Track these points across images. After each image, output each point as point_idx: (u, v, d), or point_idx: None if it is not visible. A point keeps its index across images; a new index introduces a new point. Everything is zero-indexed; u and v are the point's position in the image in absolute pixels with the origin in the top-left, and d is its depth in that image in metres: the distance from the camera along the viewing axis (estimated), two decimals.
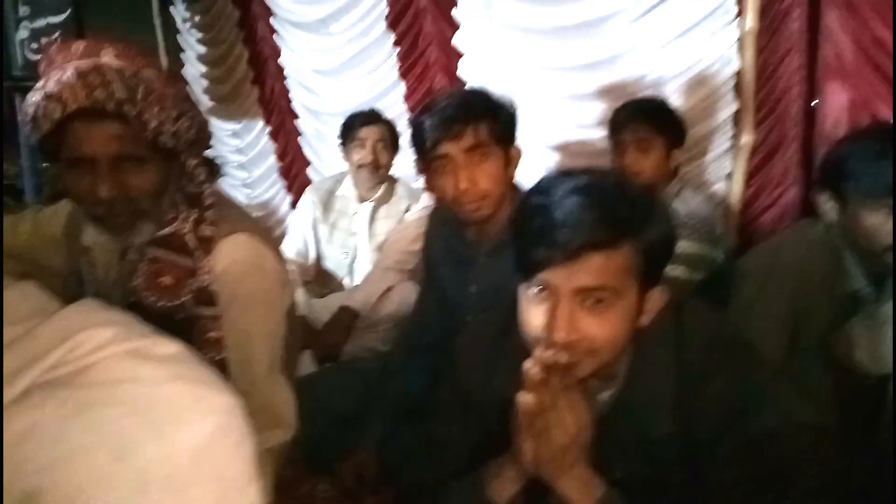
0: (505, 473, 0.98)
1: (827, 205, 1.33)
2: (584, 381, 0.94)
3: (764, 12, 1.83)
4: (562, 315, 0.88)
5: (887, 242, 1.22)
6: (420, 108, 1.44)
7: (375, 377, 1.83)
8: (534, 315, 0.91)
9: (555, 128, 2.26)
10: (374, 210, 2.38)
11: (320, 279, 2.48)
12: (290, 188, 3.85)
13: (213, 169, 1.73)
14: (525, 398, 0.88)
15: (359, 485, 1.62)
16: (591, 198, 0.88)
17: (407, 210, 2.35)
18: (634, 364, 0.97)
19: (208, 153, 1.32)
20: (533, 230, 0.90)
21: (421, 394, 1.64)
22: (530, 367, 0.87)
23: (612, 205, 0.88)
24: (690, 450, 0.93)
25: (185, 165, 1.18)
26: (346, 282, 2.45)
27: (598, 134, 2.09)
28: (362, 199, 2.40)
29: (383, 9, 2.88)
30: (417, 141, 1.40)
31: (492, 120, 1.36)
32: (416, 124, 1.41)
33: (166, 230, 1.18)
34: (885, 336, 1.17)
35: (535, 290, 0.91)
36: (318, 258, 2.49)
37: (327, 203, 2.47)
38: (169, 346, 0.60)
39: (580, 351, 0.88)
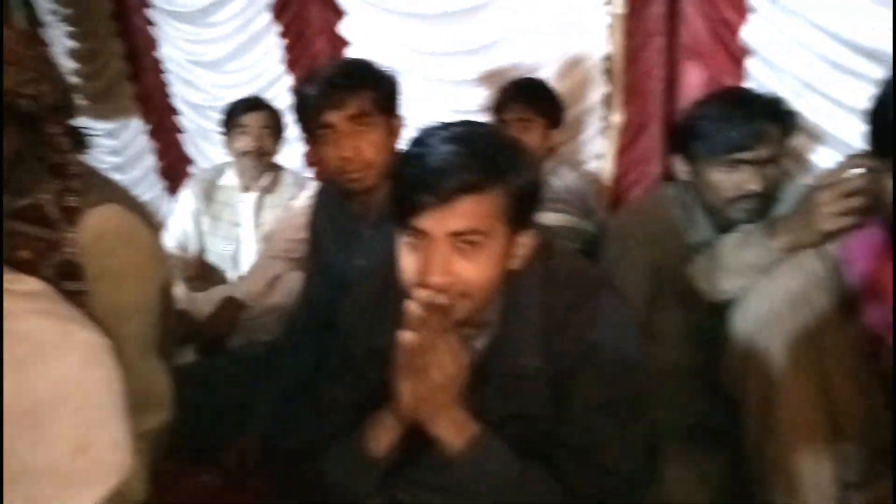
0: (382, 423, 1.00)
1: (679, 166, 1.45)
2: (461, 328, 0.97)
3: None
4: (436, 259, 0.90)
5: (729, 196, 1.35)
6: (303, 78, 1.44)
7: (263, 362, 1.78)
8: (410, 261, 0.93)
9: (439, 113, 2.30)
10: (260, 199, 2.32)
11: (202, 273, 2.39)
12: (172, 189, 3.70)
13: (80, 139, 1.61)
14: (405, 336, 0.90)
15: (242, 471, 1.58)
16: (464, 145, 0.91)
17: (294, 199, 2.31)
18: (506, 307, 1.01)
19: (74, 123, 1.26)
20: (409, 177, 0.92)
21: (310, 373, 1.62)
22: (410, 305, 0.90)
23: (484, 151, 0.91)
24: (557, 384, 0.98)
25: (46, 133, 1.11)
26: (230, 274, 2.37)
27: (481, 118, 2.15)
28: (247, 189, 2.33)
29: None
30: (301, 110, 1.40)
31: (374, 89, 1.38)
32: (299, 94, 1.41)
33: (24, 201, 1.11)
34: (718, 265, 1.28)
35: (411, 236, 0.93)
36: (201, 251, 2.40)
37: (209, 194, 2.38)
38: (31, 283, 0.57)
39: (455, 293, 0.91)
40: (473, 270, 0.91)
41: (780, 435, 1.07)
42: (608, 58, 2.06)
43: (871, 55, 1.45)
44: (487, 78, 2.23)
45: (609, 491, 0.96)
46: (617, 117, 2.09)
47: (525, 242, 0.97)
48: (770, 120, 1.33)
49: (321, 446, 1.12)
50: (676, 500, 1.23)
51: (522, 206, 0.94)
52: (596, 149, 2.18)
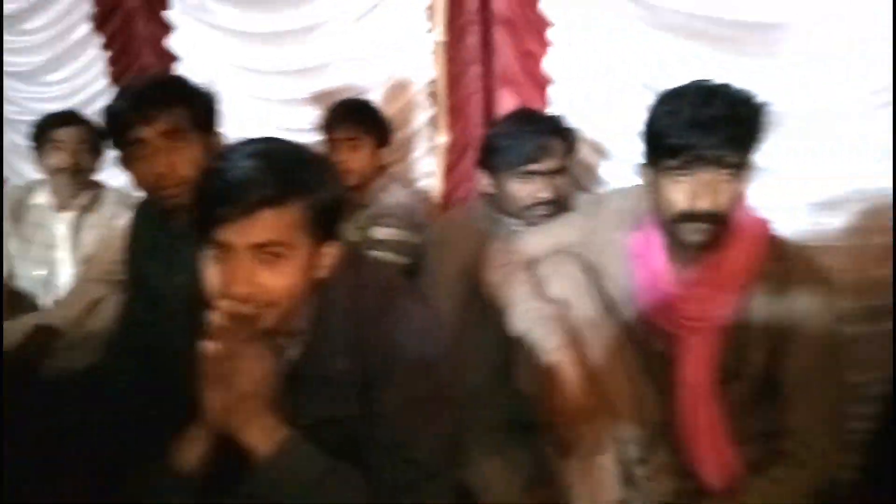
0: (190, 436, 1.00)
1: (484, 179, 1.60)
2: (271, 337, 1.00)
3: (450, 27, 2.09)
4: (239, 270, 0.92)
5: (525, 204, 1.52)
6: (115, 94, 1.41)
7: (77, 391, 1.68)
8: (214, 273, 0.95)
9: (269, 132, 2.31)
10: (78, 219, 2.19)
11: (11, 300, 2.20)
12: None
13: None
14: (208, 345, 0.92)
15: None
16: (265, 159, 0.94)
17: (116, 218, 2.19)
18: (317, 315, 1.04)
19: None
20: (210, 191, 0.94)
21: (130, 398, 1.55)
22: (212, 316, 0.91)
23: (284, 165, 0.95)
24: (366, 386, 1.03)
25: None
26: (43, 300, 2.21)
27: (311, 138, 2.18)
28: (63, 208, 2.19)
29: (87, 7, 2.70)
30: (112, 125, 1.36)
31: (189, 105, 1.38)
32: (110, 109, 1.37)
33: None
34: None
35: (214, 249, 0.94)
36: (8, 276, 2.21)
37: (19, 214, 2.21)
38: None
39: (260, 303, 0.94)
40: (277, 281, 0.94)
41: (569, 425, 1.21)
42: (433, 82, 2.18)
43: (646, 86, 1.67)
44: (317, 98, 2.27)
45: (415, 483, 1.02)
46: (442, 138, 2.21)
47: (330, 253, 1.02)
48: (554, 136, 1.52)
49: (138, 466, 1.09)
50: (489, 488, 1.33)
51: (326, 218, 0.99)
52: (425, 167, 2.29)
